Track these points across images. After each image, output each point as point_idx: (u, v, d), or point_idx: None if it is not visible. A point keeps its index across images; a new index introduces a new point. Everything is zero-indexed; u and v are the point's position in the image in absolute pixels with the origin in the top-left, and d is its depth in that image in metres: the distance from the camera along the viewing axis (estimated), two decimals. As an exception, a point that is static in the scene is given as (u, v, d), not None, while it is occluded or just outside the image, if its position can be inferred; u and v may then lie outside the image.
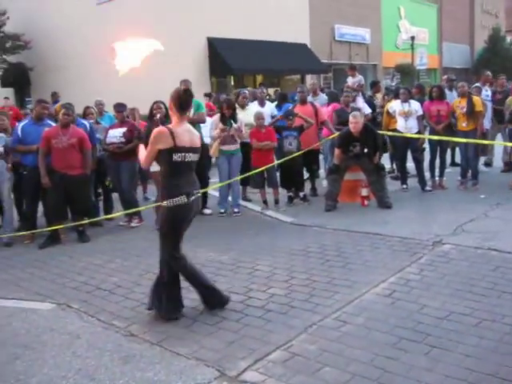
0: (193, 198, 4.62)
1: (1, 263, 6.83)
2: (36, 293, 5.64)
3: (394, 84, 23.38)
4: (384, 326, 4.33)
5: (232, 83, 23.16)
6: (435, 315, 4.47)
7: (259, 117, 8.77)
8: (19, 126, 7.92)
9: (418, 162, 9.53)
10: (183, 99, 4.61)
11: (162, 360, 3.99)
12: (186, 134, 4.58)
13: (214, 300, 4.84)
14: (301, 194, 9.19)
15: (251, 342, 4.18)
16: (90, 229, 8.01)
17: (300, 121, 9.01)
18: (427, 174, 9.69)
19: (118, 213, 8.24)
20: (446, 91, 10.46)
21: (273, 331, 4.35)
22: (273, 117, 10.16)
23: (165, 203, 4.57)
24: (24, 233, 7.71)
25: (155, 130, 4.59)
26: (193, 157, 4.62)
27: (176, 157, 4.49)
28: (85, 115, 9.05)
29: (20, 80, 26.01)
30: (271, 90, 20.72)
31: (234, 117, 8.35)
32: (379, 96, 12.05)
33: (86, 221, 7.62)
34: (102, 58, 21.81)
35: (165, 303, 4.69)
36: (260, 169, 8.48)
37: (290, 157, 8.63)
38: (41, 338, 4.53)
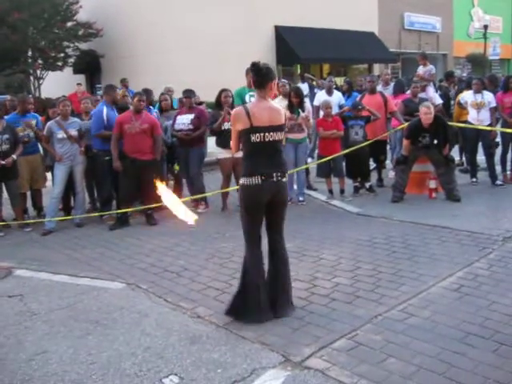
0: (271, 180, 4.37)
1: (73, 243, 7.11)
2: (106, 272, 5.84)
3: (465, 74, 22.74)
4: (451, 320, 4.26)
5: (299, 72, 23.04)
6: (505, 312, 4.36)
7: (327, 106, 8.73)
8: (103, 112, 7.98)
9: (490, 156, 9.24)
10: (254, 75, 4.44)
11: (227, 342, 4.06)
12: (264, 112, 4.36)
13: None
14: (367, 185, 9.10)
15: (316, 330, 4.19)
16: (158, 212, 8.18)
17: (368, 111, 8.91)
18: (498, 168, 9.40)
19: (185, 198, 8.38)
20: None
21: (337, 320, 4.36)
22: (340, 106, 10.09)
23: (240, 182, 4.50)
24: (95, 214, 7.99)
25: (233, 111, 4.58)
26: (274, 136, 4.38)
27: (254, 137, 4.33)
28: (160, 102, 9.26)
29: (91, 67, 26.72)
30: (338, 80, 20.51)
31: (301, 105, 8.32)
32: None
33: (154, 204, 7.80)
34: (167, 47, 22.23)
35: (237, 297, 4.49)
36: (327, 158, 8.45)
37: (357, 146, 8.55)
38: (111, 315, 4.70)
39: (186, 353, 3.93)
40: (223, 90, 8.32)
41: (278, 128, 4.42)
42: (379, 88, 10.18)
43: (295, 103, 8.21)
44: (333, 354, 3.81)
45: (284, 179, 4.49)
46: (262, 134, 4.34)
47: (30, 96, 10.42)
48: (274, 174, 4.41)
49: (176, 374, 3.64)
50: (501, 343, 3.87)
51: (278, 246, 4.63)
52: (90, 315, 4.73)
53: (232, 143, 4.62)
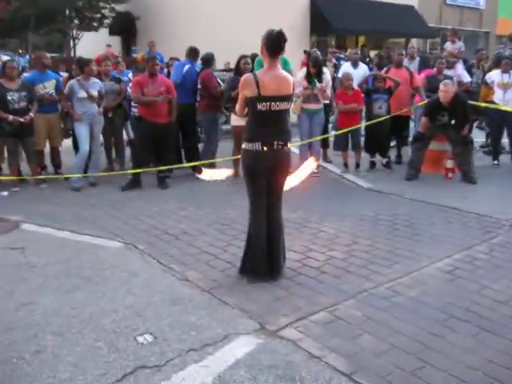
0: (272, 147, 4.40)
1: (83, 201, 7.23)
2: (108, 231, 5.93)
3: (507, 54, 21.99)
4: (437, 301, 4.20)
5: (333, 43, 22.69)
6: (494, 298, 4.27)
7: (347, 78, 8.59)
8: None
9: (513, 139, 9.01)
10: (275, 42, 4.35)
11: (208, 306, 4.10)
12: (273, 81, 4.35)
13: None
14: (384, 161, 8.96)
15: (298, 301, 4.19)
16: (171, 176, 8.25)
17: (390, 82, 8.74)
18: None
19: (200, 162, 8.38)
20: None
21: (322, 293, 4.35)
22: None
23: (242, 146, 4.53)
24: (106, 173, 8.07)
25: (242, 77, 4.54)
26: (281, 105, 4.38)
27: (260, 106, 4.33)
28: None
29: (127, 29, 26.71)
30: (373, 53, 20.11)
31: (319, 76, 8.19)
32: (485, 65, 11.41)
33: (167, 167, 7.85)
34: (206, 12, 22.05)
35: (245, 259, 4.65)
36: (343, 130, 8.34)
37: (377, 120, 8.41)
38: (103, 273, 4.78)
39: (166, 313, 3.99)
40: (243, 57, 8.25)
41: (285, 98, 4.45)
42: (405, 62, 9.94)
43: (313, 73, 8.09)
44: (309, 326, 3.81)
45: (285, 148, 4.50)
46: (268, 103, 4.35)
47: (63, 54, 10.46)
48: (275, 142, 4.43)
49: (151, 333, 3.70)
50: (482, 329, 3.80)
51: (274, 210, 4.64)
52: (82, 271, 4.82)
53: (237, 107, 4.62)
